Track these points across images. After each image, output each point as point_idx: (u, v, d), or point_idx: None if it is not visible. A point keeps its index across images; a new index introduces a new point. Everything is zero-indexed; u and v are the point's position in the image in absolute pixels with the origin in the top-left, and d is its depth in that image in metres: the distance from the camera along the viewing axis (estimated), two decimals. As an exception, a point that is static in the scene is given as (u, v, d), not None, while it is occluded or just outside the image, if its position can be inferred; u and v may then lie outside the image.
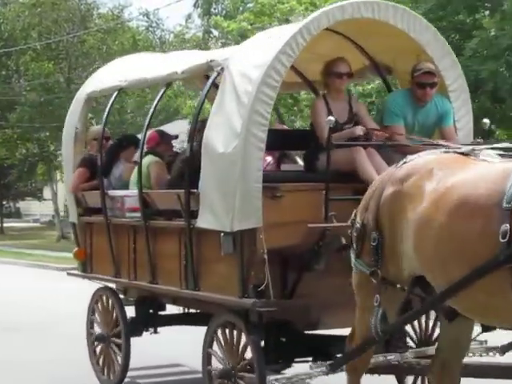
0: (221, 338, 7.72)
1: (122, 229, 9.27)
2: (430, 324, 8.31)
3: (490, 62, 18.39)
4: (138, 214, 8.79)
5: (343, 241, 6.98)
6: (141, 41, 42.04)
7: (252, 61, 7.46)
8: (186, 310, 9.62)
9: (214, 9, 43.37)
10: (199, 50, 39.64)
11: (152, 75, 8.93)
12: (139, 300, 9.74)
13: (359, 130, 7.70)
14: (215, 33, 39.75)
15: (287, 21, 27.67)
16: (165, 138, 9.52)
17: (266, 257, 7.13)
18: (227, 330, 7.63)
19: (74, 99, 10.41)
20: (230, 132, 7.33)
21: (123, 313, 9.50)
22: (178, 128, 38.22)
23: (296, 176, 7.67)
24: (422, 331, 8.37)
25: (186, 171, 7.87)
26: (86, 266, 10.12)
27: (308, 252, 7.15)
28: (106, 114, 9.67)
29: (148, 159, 9.23)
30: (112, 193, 9.36)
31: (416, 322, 8.20)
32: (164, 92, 8.84)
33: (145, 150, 9.05)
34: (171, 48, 40.80)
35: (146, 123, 8.83)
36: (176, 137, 10.00)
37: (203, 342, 7.93)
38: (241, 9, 33.61)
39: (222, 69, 7.76)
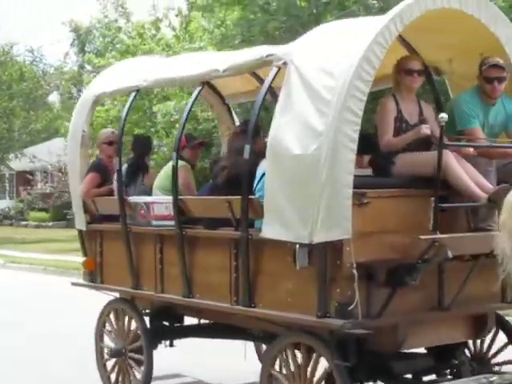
0: (289, 361, 5.85)
1: (145, 238, 7.24)
2: (487, 341, 6.66)
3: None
4: (169, 222, 6.82)
5: (449, 254, 5.22)
6: (26, 72, 44.95)
7: (329, 54, 5.62)
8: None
9: (87, 48, 44.44)
10: (75, 82, 42.18)
11: (184, 74, 6.98)
12: (154, 312, 7.78)
13: (425, 129, 5.95)
14: (88, 67, 40.32)
15: (148, 59, 29.66)
16: (190, 143, 7.56)
17: (355, 272, 5.31)
18: (298, 352, 5.77)
19: (80, 101, 8.31)
20: (309, 132, 5.45)
21: (145, 326, 7.51)
22: (57, 145, 39.49)
23: (375, 182, 5.84)
24: (477, 347, 6.70)
25: (243, 176, 5.97)
26: (95, 276, 8.04)
27: (404, 266, 5.37)
28: (124, 115, 7.63)
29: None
30: (133, 199, 7.34)
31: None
32: (200, 91, 6.88)
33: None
34: (52, 78, 45.68)
35: (181, 128, 6.84)
36: (202, 144, 8.06)
37: (263, 361, 6.04)
38: (110, 48, 34.11)
39: (285, 63, 5.90)
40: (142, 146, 7.98)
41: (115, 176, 7.59)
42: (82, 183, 7.99)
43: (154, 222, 7.03)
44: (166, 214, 6.85)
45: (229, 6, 22.52)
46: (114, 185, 7.58)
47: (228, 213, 6.17)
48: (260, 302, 6.02)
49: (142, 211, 7.16)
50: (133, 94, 7.54)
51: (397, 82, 6.16)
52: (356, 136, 5.29)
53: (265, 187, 5.75)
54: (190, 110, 6.85)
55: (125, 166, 7.64)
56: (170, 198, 6.80)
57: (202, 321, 7.79)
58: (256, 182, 6.05)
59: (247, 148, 5.96)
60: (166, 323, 7.80)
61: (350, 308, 5.28)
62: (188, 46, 26.68)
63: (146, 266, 7.27)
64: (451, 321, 5.95)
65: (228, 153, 6.79)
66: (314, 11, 21.07)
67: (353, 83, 5.27)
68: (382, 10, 19.26)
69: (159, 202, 6.96)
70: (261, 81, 8.13)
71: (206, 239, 6.54)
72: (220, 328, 7.42)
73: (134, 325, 7.65)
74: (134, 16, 35.92)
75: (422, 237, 5.09)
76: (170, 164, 7.21)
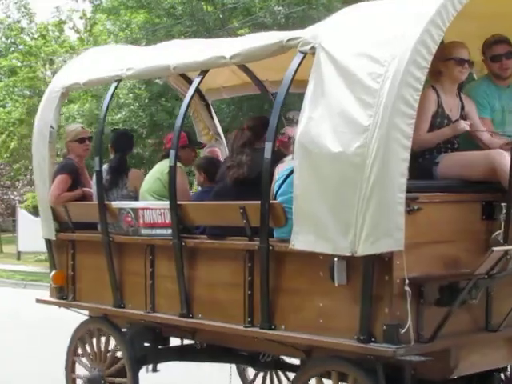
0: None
1: (131, 249, 6.37)
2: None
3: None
4: (163, 231, 5.99)
5: (519, 268, 4.54)
6: None
7: (371, 37, 4.88)
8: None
9: (-12, 48, 43.79)
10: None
11: (181, 61, 6.15)
12: (133, 332, 6.88)
13: (463, 125, 5.29)
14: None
15: (51, 60, 30.14)
16: (192, 143, 6.74)
17: (407, 289, 4.59)
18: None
19: (46, 95, 7.34)
20: (351, 126, 4.68)
21: (128, 345, 6.60)
22: None
23: (420, 185, 5.08)
24: (508, 372, 6.06)
25: (264, 177, 5.17)
26: (66, 292, 7.11)
27: (464, 282, 4.67)
28: (105, 109, 6.73)
29: (166, 162, 6.43)
30: (117, 204, 6.46)
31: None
32: (200, 82, 6.06)
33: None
34: None
35: (179, 124, 5.97)
36: (203, 145, 7.25)
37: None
38: (12, 49, 34.15)
39: (313, 48, 5.15)
40: (125, 143, 7.07)
41: (94, 178, 6.72)
42: (50, 186, 7.09)
43: (144, 231, 6.17)
44: (160, 221, 6.02)
45: (134, 9, 22.94)
46: (94, 189, 6.69)
47: (241, 220, 5.37)
48: (282, 324, 5.23)
49: (129, 218, 6.30)
50: (114, 84, 6.68)
51: (438, 72, 5.43)
52: (410, 131, 4.56)
53: (294, 191, 4.98)
54: (189, 105, 6.02)
55: (104, 167, 6.77)
56: (164, 204, 5.97)
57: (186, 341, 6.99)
58: (277, 185, 5.29)
59: (269, 146, 5.18)
60: (147, 344, 6.93)
61: (402, 331, 4.57)
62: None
63: (132, 280, 6.40)
64: (498, 343, 5.28)
65: (232, 152, 5.99)
66: (220, 16, 21.40)
67: (408, 69, 4.54)
68: (288, 18, 19.64)
69: (151, 207, 6.10)
70: (250, 74, 7.41)
71: (211, 251, 5.71)
72: (214, 351, 6.60)
73: (112, 346, 6.80)
74: (37, 17, 35.98)
75: (496, 248, 4.39)
76: (162, 165, 6.41)
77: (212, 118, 8.39)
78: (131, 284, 6.41)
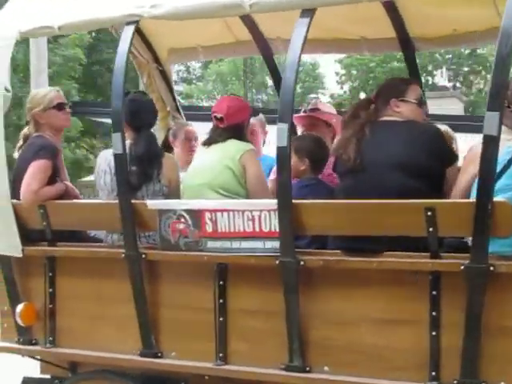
0: None
1: (181, 270, 4.54)
2: None
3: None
4: (257, 244, 4.22)
5: None
6: None
7: None
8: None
9: None
10: None
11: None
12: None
13: None
14: None
15: None
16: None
17: None
18: None
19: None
20: None
21: None
22: None
23: None
24: None
25: (488, 164, 3.65)
26: (44, 335, 5.00)
27: None
28: (123, 63, 4.74)
29: (236, 145, 4.72)
30: (157, 205, 4.57)
31: None
32: (310, 22, 4.31)
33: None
34: None
35: (292, 90, 4.14)
36: (257, 113, 5.53)
37: None
38: None
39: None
40: (147, 114, 5.10)
41: (99, 165, 4.84)
42: (6, 177, 5.03)
43: (214, 244, 4.33)
44: (250, 230, 4.25)
45: None
46: (102, 184, 4.78)
47: (423, 227, 3.81)
48: (501, 380, 3.77)
49: (181, 225, 4.44)
50: (129, 28, 4.79)
51: None
52: None
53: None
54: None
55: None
56: (259, 204, 4.25)
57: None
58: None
59: (494, 117, 3.63)
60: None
61: None
62: None
63: (179, 317, 4.53)
64: None
65: (355, 131, 4.38)
66: None
67: None
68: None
69: (232, 209, 4.30)
70: (255, 29, 5.90)
71: (353, 273, 4.08)
72: None
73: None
74: None
75: None
76: (229, 149, 4.72)
77: (171, 89, 6.70)
78: (179, 322, 4.55)
